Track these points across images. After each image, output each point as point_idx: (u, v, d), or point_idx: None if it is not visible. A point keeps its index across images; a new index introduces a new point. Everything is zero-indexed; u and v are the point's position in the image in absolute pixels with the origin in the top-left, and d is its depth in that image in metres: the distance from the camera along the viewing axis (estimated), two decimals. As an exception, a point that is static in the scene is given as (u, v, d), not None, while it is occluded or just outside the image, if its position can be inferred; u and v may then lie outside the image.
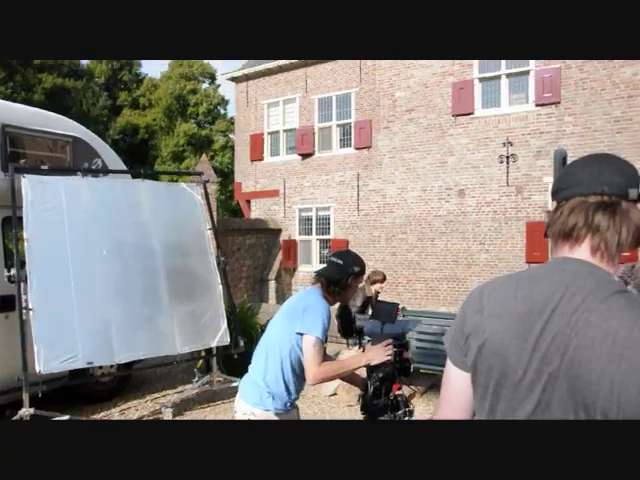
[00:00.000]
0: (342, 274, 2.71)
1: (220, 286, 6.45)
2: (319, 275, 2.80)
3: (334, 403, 6.11)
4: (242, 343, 6.34)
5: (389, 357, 2.56)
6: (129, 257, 5.65)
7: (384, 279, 6.75)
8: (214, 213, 7.21)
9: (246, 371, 2.84)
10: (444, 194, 13.04)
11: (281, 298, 14.87)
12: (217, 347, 6.22)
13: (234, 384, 5.90)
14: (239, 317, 7.13)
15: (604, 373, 0.96)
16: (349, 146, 14.52)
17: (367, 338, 2.89)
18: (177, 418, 5.63)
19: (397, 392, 2.65)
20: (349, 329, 3.16)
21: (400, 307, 4.48)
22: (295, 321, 2.61)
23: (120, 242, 5.63)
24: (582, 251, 1.13)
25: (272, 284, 14.99)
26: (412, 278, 13.36)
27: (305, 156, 15.14)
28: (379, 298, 6.73)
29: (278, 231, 15.45)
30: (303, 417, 5.60)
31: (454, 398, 1.28)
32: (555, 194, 1.22)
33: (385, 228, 13.80)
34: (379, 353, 2.54)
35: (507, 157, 12.23)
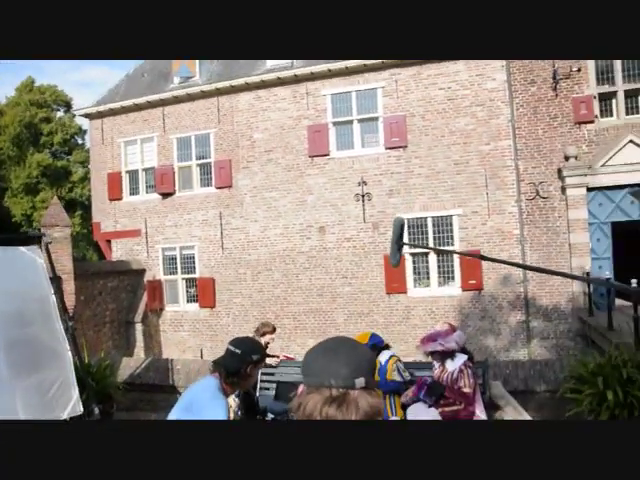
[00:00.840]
0: (241, 364, 2.57)
1: (70, 353, 6.01)
2: (217, 365, 2.64)
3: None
4: (97, 411, 5.96)
5: None
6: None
7: (274, 330, 6.59)
8: (69, 260, 6.77)
9: None
10: (305, 231, 13.37)
11: (149, 341, 14.22)
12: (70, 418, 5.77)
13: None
14: (97, 377, 6.69)
15: None
16: (210, 185, 14.30)
17: (270, 416, 2.75)
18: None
19: None
20: (252, 412, 3.04)
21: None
22: None
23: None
24: None
25: (139, 327, 14.26)
26: (280, 313, 13.46)
27: (165, 195, 14.64)
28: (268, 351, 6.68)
29: (142, 271, 14.77)
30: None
31: None
32: (303, 377, 1.26)
33: (250, 265, 13.78)
34: None
35: (362, 195, 12.88)
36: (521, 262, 12.10)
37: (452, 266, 12.52)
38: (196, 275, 14.35)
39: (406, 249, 12.39)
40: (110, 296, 13.93)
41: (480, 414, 5.02)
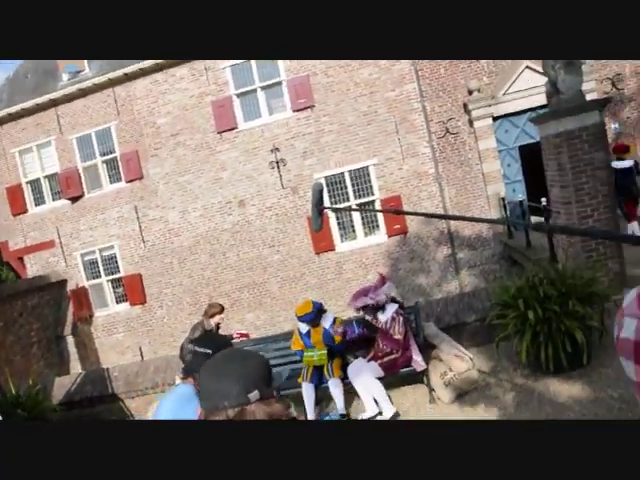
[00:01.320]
0: None
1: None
2: (189, 372, 2.39)
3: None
4: None
5: None
6: None
7: (222, 310, 6.22)
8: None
9: None
10: (225, 208, 12.98)
11: (83, 351, 13.48)
12: None
13: None
14: (28, 405, 6.12)
15: None
16: (120, 180, 13.54)
17: None
18: None
19: None
20: None
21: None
22: None
23: None
24: None
25: (70, 339, 13.44)
26: (214, 294, 13.05)
27: (74, 199, 13.74)
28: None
29: (63, 282, 13.89)
30: None
31: None
32: (200, 402, 1.25)
33: (175, 253, 13.24)
34: None
35: (277, 162, 12.66)
36: (440, 198, 12.30)
37: (375, 215, 12.55)
38: (121, 274, 13.66)
39: (327, 204, 12.31)
40: (32, 315, 13.02)
41: (417, 358, 5.03)
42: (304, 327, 5.20)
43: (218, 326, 6.23)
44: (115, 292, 13.89)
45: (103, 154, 13.68)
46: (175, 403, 2.29)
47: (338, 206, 12.79)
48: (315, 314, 5.09)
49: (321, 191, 2.46)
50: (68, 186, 13.74)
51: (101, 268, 13.81)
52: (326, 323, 5.19)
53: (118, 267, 13.70)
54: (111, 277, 13.79)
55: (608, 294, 4.97)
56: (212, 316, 6.14)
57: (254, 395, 1.19)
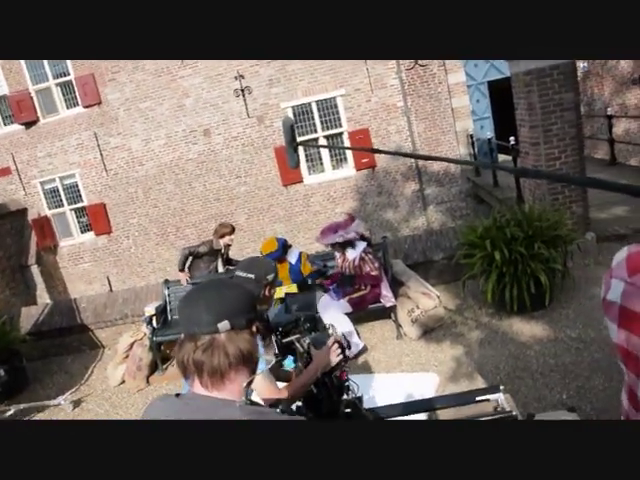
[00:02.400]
0: (259, 289, 2.37)
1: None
2: None
3: (124, 393, 5.44)
4: (1, 372, 5.55)
5: (340, 357, 2.11)
6: None
7: (232, 230, 6.05)
8: None
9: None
10: (190, 137, 12.49)
11: (50, 281, 13.24)
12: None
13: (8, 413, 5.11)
14: None
15: None
16: (77, 105, 12.79)
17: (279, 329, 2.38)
18: None
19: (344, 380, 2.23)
20: (265, 333, 2.70)
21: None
22: None
23: None
24: (198, 384, 1.19)
25: (35, 269, 13.16)
26: (181, 225, 12.87)
27: (29, 124, 12.92)
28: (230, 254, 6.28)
29: (23, 211, 13.37)
30: (95, 417, 5.12)
31: None
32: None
33: (139, 183, 12.83)
34: (329, 358, 2.09)
35: (242, 90, 12.15)
36: (408, 133, 12.16)
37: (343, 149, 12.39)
38: (84, 203, 13.21)
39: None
40: (-7, 244, 12.68)
41: (387, 294, 5.08)
42: None
43: (228, 247, 6.04)
44: (79, 222, 13.52)
45: (56, 76, 12.82)
46: None
47: (312, 143, 12.52)
48: (280, 251, 5.08)
49: (292, 126, 2.38)
50: (20, 110, 12.90)
51: (63, 197, 13.32)
52: (292, 258, 5.19)
53: (81, 196, 13.25)
54: (74, 206, 13.34)
55: (572, 237, 5.12)
56: (222, 236, 5.91)
57: (223, 325, 1.17)
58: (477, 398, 2.85)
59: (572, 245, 5.25)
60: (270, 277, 2.42)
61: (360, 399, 2.40)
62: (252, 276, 2.37)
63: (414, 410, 3.02)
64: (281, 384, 2.30)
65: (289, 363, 5.27)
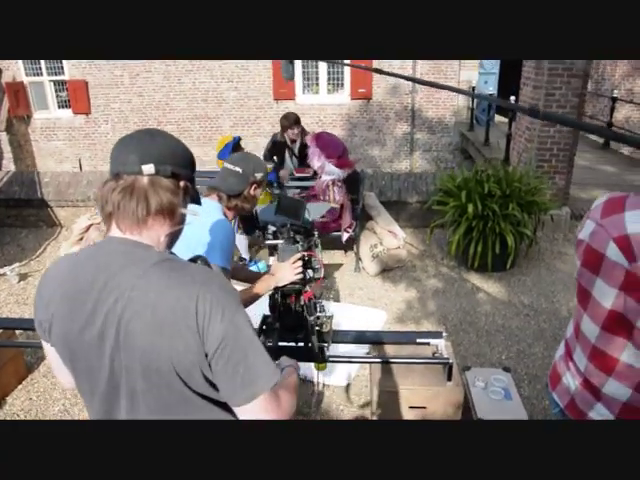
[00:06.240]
0: (243, 184, 2.18)
1: None
2: (215, 189, 2.20)
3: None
4: None
5: (298, 276, 2.01)
6: None
7: (296, 122, 5.35)
8: None
9: None
10: (188, 29, 11.86)
11: (19, 151, 12.70)
12: None
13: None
14: None
15: (152, 339, 1.05)
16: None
17: (272, 228, 2.20)
18: None
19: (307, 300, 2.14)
20: (252, 228, 2.49)
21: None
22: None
23: None
24: (115, 228, 1.15)
25: (3, 136, 12.50)
26: (162, 120, 12.33)
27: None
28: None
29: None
30: None
31: (61, 368, 1.26)
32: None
33: (127, 67, 12.17)
34: (287, 273, 2.02)
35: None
36: (411, 73, 11.71)
37: (342, 73, 11.88)
38: (65, 77, 12.51)
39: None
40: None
41: (348, 228, 4.94)
42: None
43: (294, 141, 5.47)
44: (58, 96, 12.83)
45: None
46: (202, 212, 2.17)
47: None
48: (231, 146, 4.89)
49: None
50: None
51: (43, 65, 12.54)
52: None
53: (63, 68, 12.50)
54: (54, 78, 12.60)
55: (547, 207, 5.04)
56: (285, 129, 5.41)
57: (148, 168, 1.11)
58: (418, 340, 2.83)
59: (546, 215, 5.19)
60: (258, 175, 2.23)
61: (330, 318, 2.34)
62: (239, 170, 2.20)
63: (360, 340, 3.01)
64: (243, 285, 2.22)
65: (262, 267, 5.20)
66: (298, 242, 2.12)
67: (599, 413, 1.43)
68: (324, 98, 12.01)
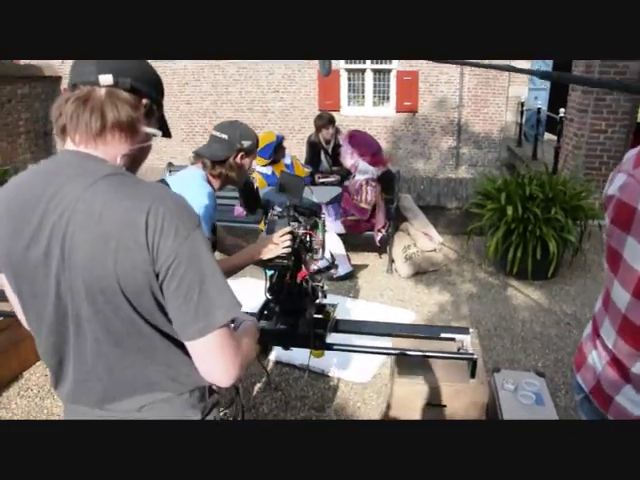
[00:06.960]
0: (229, 151, 2.08)
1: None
2: (198, 155, 2.12)
3: None
4: None
5: (286, 250, 1.92)
6: None
7: (330, 122, 5.35)
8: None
9: None
10: (237, 39, 12.10)
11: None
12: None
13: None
14: None
15: (96, 253, 0.95)
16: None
17: (278, 209, 2.16)
18: None
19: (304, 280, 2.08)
20: (253, 205, 2.48)
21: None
22: None
23: None
24: (70, 142, 1.07)
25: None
26: (209, 127, 12.57)
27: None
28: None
29: (57, 79, 13.21)
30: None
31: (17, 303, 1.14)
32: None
33: (177, 75, 12.52)
34: (273, 246, 1.92)
35: None
36: (459, 86, 11.51)
37: (388, 86, 11.79)
38: (119, 84, 13.00)
39: (342, 63, 11.51)
40: (22, 104, 12.44)
41: (382, 230, 4.81)
42: (266, 169, 4.76)
43: (328, 142, 5.48)
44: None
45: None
46: (184, 181, 2.06)
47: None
48: (275, 145, 4.72)
49: None
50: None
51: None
52: (287, 160, 4.84)
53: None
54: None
55: (595, 214, 4.73)
56: (319, 129, 5.51)
57: (105, 78, 1.04)
58: (442, 334, 2.62)
59: (593, 222, 4.87)
60: (246, 143, 2.11)
61: (334, 307, 2.28)
62: (225, 136, 2.10)
63: (380, 332, 2.81)
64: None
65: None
66: (300, 222, 2.02)
67: (628, 397, 1.21)
68: (369, 110, 11.95)
